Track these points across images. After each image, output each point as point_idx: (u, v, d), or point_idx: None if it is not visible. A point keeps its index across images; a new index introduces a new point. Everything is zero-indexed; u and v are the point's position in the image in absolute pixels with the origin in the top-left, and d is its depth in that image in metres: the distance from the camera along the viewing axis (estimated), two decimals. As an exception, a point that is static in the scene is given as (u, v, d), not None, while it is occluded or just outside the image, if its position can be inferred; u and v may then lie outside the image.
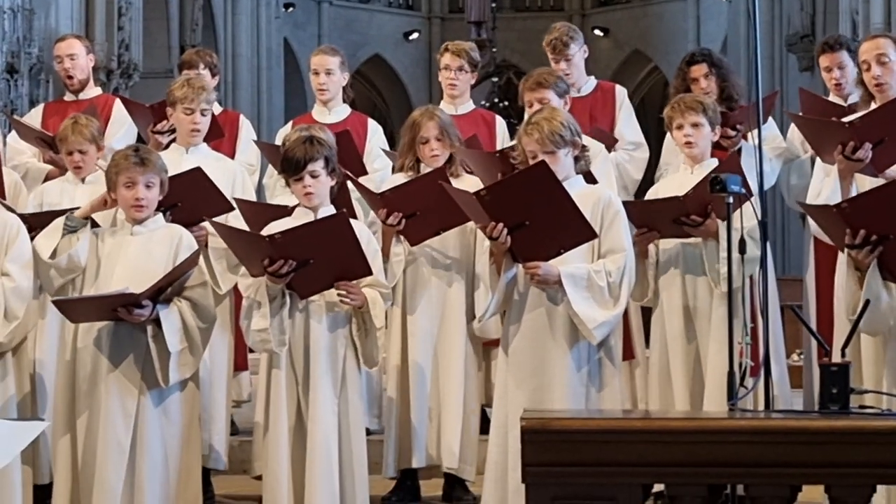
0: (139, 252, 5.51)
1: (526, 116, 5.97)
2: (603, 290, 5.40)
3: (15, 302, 5.45)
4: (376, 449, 6.09)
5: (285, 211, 5.85)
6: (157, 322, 5.36)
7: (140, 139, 7.35)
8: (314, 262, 5.41)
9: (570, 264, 5.39)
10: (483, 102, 23.61)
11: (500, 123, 7.69)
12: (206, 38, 23.05)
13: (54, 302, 5.49)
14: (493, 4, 29.17)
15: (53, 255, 5.53)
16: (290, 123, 7.82)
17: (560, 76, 6.73)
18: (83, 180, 6.47)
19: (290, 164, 5.64)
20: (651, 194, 6.34)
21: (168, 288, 5.38)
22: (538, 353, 5.45)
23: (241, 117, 7.99)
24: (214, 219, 6.06)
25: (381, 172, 7.39)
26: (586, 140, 5.86)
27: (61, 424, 5.51)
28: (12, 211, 5.90)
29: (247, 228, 5.98)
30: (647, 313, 6.43)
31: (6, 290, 5.43)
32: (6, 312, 5.43)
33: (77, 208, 5.72)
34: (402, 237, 6.27)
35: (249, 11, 24.97)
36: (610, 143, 7.13)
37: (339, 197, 5.91)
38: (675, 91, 6.96)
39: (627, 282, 5.47)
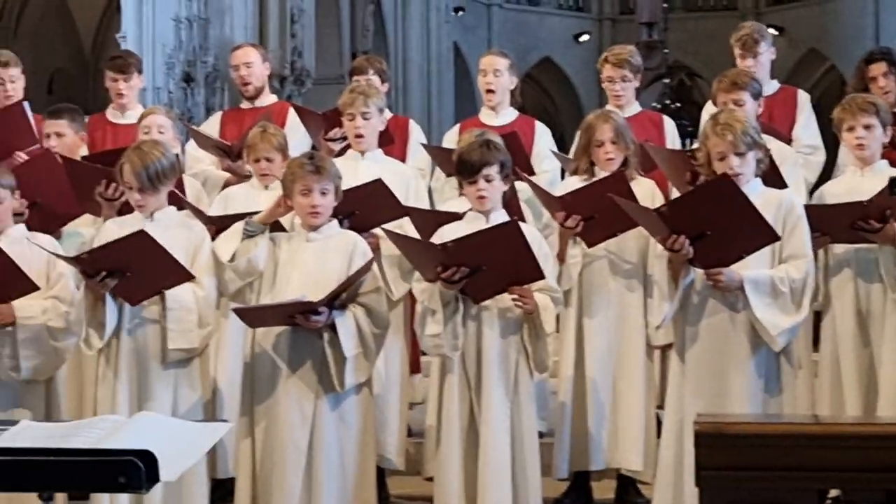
0: (315, 258, 5.61)
1: (708, 116, 5.92)
2: (786, 297, 5.34)
3: (207, 310, 5.62)
4: (545, 451, 6.10)
5: (456, 216, 5.90)
6: (332, 327, 5.46)
7: (314, 147, 7.48)
8: (487, 268, 5.45)
9: (750, 269, 5.34)
10: (654, 104, 23.43)
11: (669, 124, 7.63)
12: (378, 43, 23.35)
13: (235, 310, 5.63)
14: (665, 5, 28.92)
15: (232, 258, 5.67)
16: (456, 127, 7.88)
17: (755, 77, 6.65)
18: (266, 187, 6.62)
19: (465, 167, 5.69)
20: (817, 197, 6.23)
21: (343, 294, 5.48)
22: (717, 359, 5.41)
23: (411, 122, 8.06)
24: (386, 225, 6.15)
25: (550, 174, 7.39)
26: (777, 144, 5.80)
27: (243, 426, 5.66)
28: (199, 213, 6.08)
29: (416, 235, 6.05)
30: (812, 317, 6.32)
31: (199, 299, 5.59)
32: (199, 320, 5.60)
33: (257, 212, 5.86)
34: (578, 239, 6.27)
35: (420, 16, 25.21)
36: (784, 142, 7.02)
37: (510, 201, 5.95)
38: (852, 90, 6.83)
39: (810, 288, 5.42)
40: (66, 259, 5.58)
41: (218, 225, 6.01)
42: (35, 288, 5.62)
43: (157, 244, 5.41)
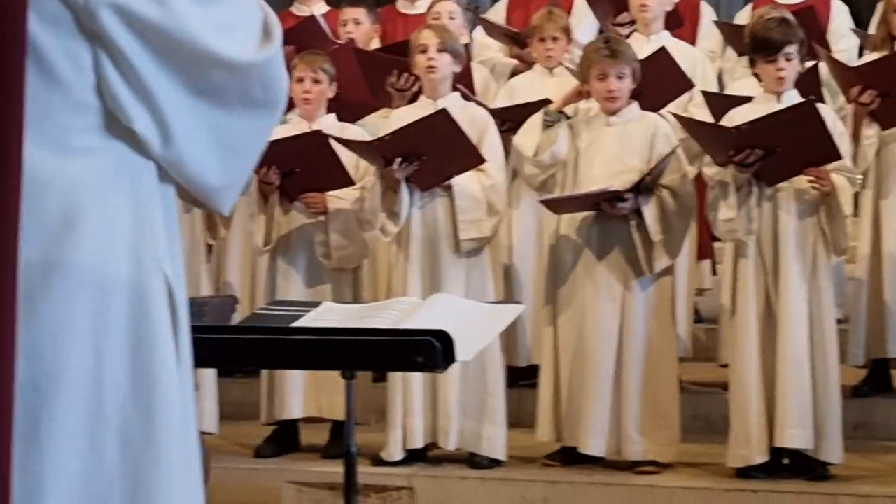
0: (616, 142, 5.58)
1: None
2: None
3: (495, 197, 5.68)
4: (841, 338, 5.94)
5: (745, 99, 5.75)
6: (638, 212, 5.44)
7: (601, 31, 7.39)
8: (781, 149, 5.30)
9: None
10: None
11: None
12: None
13: (542, 201, 5.67)
14: None
15: (536, 152, 5.69)
16: (749, 6, 7.64)
17: None
18: (551, 72, 6.60)
19: (764, 46, 5.50)
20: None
21: (648, 178, 5.44)
22: None
23: (703, 2, 7.87)
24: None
25: (846, 53, 7.10)
26: None
27: (546, 314, 5.73)
28: (483, 106, 6.11)
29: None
30: None
31: (485, 188, 5.66)
32: (488, 208, 5.67)
33: (548, 100, 5.85)
34: (870, 120, 6.02)
35: None
36: None
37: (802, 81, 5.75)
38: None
39: None
40: (362, 145, 5.70)
41: (504, 116, 6.04)
42: (351, 182, 5.79)
43: (455, 123, 5.47)
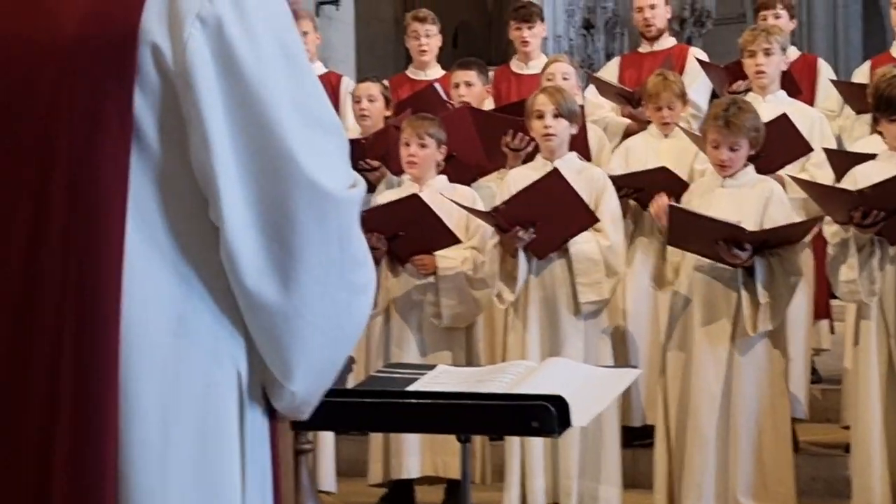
0: (729, 206, 5.52)
1: None
2: None
3: (613, 258, 5.68)
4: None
5: (868, 156, 5.68)
6: (748, 270, 5.38)
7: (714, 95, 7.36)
8: None
9: None
10: None
11: None
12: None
13: (670, 207, 5.58)
14: None
15: None
16: (867, 63, 7.56)
17: None
18: (666, 135, 6.58)
19: (889, 104, 5.43)
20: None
21: (767, 239, 5.38)
22: None
23: (820, 60, 7.79)
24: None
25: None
26: None
27: (657, 370, 5.70)
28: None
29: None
30: None
31: (603, 249, 5.65)
32: (606, 269, 5.66)
33: (664, 168, 5.84)
34: None
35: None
36: None
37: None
38: None
39: None
40: (480, 214, 5.75)
41: (622, 184, 6.05)
42: (456, 240, 5.83)
43: (565, 181, 5.49)
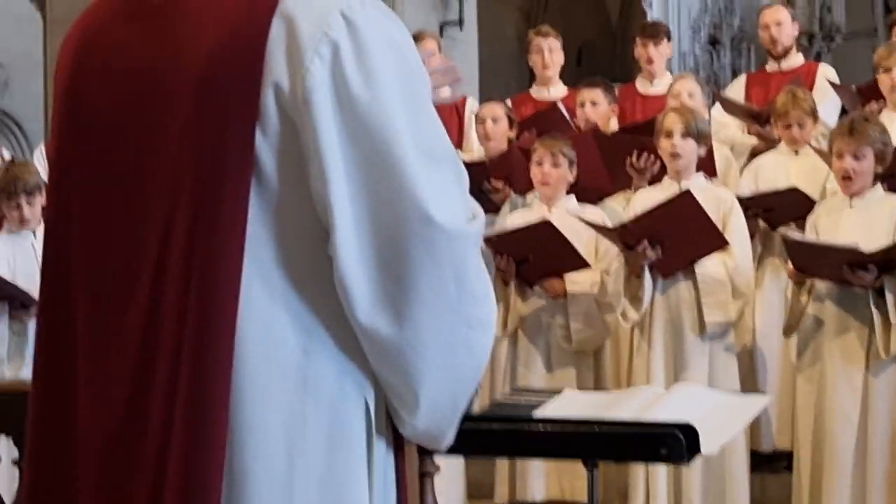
0: (857, 226, 5.43)
1: None
2: None
3: (740, 279, 5.60)
4: None
5: None
6: (879, 291, 5.26)
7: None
8: None
9: None
10: None
11: None
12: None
13: (784, 238, 5.53)
14: None
15: None
16: None
17: None
18: (796, 153, 6.48)
19: None
20: None
21: (889, 259, 5.26)
22: None
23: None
24: None
25: None
26: None
27: (786, 395, 5.61)
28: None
29: None
30: None
31: (730, 270, 5.58)
32: (733, 290, 5.59)
33: (795, 189, 5.75)
34: None
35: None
36: None
37: None
38: None
39: None
40: (607, 230, 5.71)
41: (750, 205, 5.97)
42: (585, 265, 5.80)
43: (699, 206, 5.44)
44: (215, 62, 1.77)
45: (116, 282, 1.84)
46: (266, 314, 1.77)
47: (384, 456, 1.87)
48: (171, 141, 1.80)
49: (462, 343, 1.82)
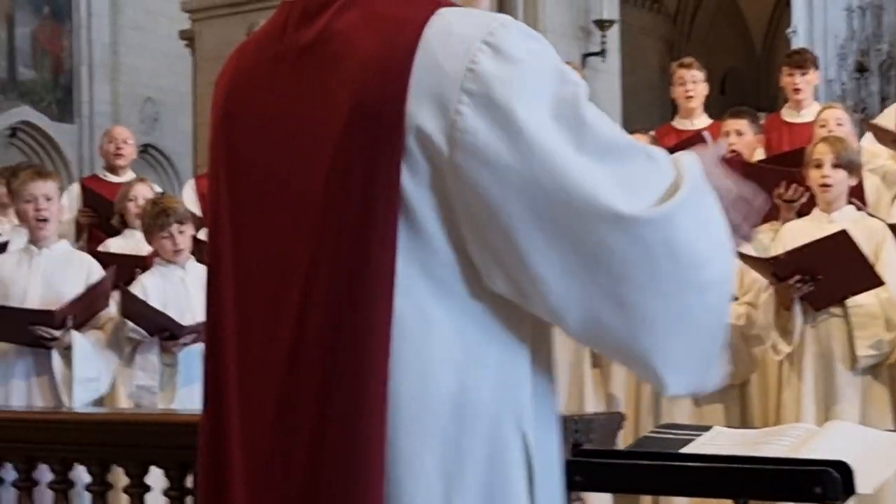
0: None
1: None
2: None
3: (894, 312, 5.47)
4: None
5: None
6: None
7: None
8: None
9: None
10: None
11: None
12: None
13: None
14: None
15: None
16: None
17: None
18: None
19: None
20: None
21: None
22: None
23: None
24: None
25: None
26: None
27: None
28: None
29: None
30: None
31: (882, 302, 5.45)
32: (886, 323, 5.45)
33: None
34: None
35: None
36: None
37: None
38: None
39: None
40: (757, 261, 5.61)
41: None
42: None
43: (855, 246, 5.31)
44: (361, 104, 1.77)
45: (264, 320, 1.86)
46: (420, 351, 1.77)
47: (546, 491, 1.86)
48: (317, 180, 1.81)
49: (696, 307, 1.81)
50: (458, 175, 1.75)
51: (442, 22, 1.77)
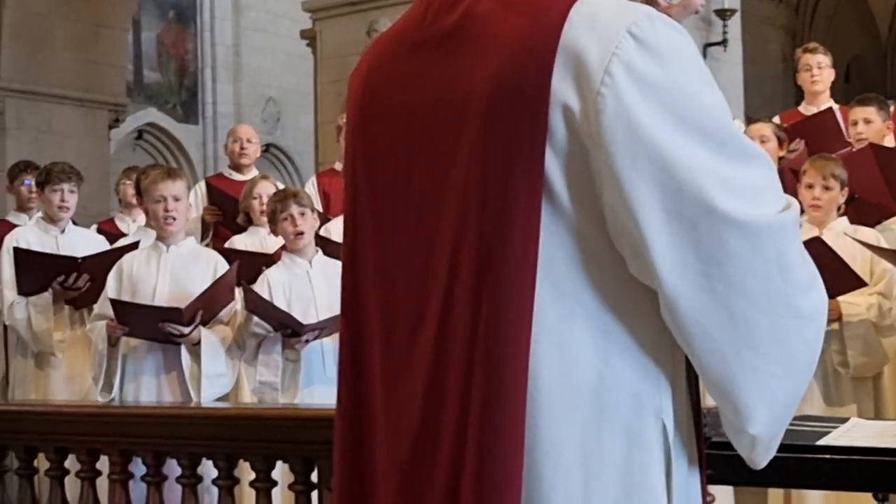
0: None
1: None
2: None
3: None
4: None
5: None
6: None
7: None
8: None
9: None
10: None
11: None
12: None
13: None
14: None
15: None
16: None
17: None
18: None
19: None
20: None
21: None
22: None
23: None
24: None
25: None
26: None
27: None
28: None
29: None
30: None
31: None
32: None
33: None
34: None
35: None
36: None
37: None
38: None
39: None
40: (885, 252, 5.48)
41: None
42: (863, 283, 5.56)
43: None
44: (503, 84, 1.76)
45: (407, 305, 1.86)
46: (560, 335, 1.76)
47: (684, 481, 1.85)
48: (459, 166, 1.80)
49: (795, 335, 1.78)
50: (595, 155, 1.74)
51: (587, 7, 1.77)
